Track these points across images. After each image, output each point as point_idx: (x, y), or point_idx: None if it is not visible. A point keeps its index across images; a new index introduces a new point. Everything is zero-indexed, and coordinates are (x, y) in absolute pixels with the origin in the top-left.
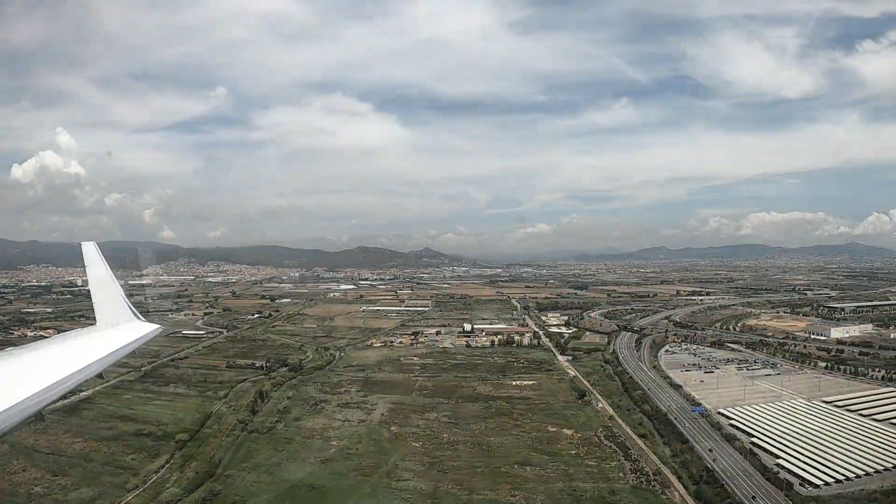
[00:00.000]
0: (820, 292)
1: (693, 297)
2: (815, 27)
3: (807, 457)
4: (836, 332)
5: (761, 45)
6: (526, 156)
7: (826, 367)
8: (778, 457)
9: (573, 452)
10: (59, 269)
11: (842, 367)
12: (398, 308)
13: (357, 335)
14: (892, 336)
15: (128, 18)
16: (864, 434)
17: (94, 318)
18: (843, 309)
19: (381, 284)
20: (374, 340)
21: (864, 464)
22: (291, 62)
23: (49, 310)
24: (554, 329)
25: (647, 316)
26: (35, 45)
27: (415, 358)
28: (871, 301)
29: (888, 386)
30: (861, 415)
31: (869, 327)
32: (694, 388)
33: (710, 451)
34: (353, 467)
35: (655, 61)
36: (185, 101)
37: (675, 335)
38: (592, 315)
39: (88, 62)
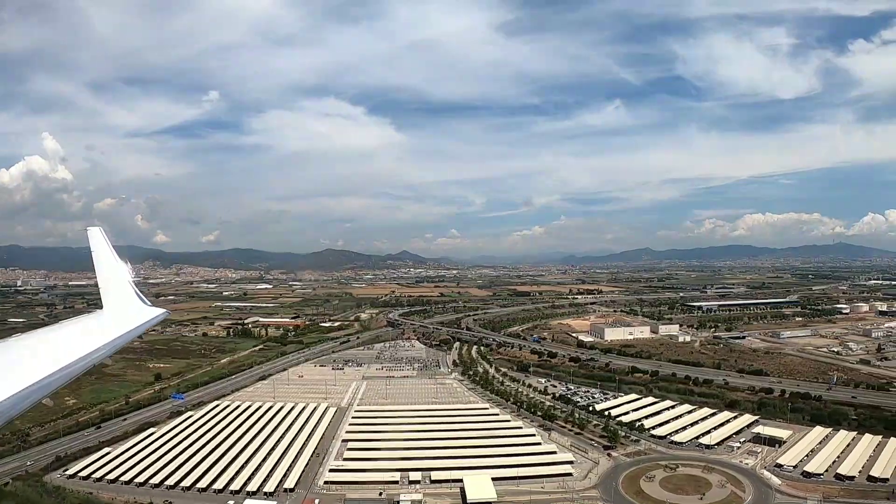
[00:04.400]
0: (724, 291)
1: (570, 296)
2: (807, 27)
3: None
4: (612, 334)
5: (753, 46)
6: (520, 158)
7: (476, 377)
8: None
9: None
10: (26, 271)
11: (482, 378)
12: (251, 304)
13: None
14: (681, 339)
15: (120, 23)
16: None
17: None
18: (700, 308)
19: (300, 287)
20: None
21: None
22: (284, 66)
23: None
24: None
25: (465, 315)
26: (27, 49)
27: (142, 344)
28: (766, 301)
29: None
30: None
31: (675, 328)
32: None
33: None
34: None
35: (647, 62)
36: (178, 106)
37: (415, 332)
38: (390, 315)
39: (81, 67)
